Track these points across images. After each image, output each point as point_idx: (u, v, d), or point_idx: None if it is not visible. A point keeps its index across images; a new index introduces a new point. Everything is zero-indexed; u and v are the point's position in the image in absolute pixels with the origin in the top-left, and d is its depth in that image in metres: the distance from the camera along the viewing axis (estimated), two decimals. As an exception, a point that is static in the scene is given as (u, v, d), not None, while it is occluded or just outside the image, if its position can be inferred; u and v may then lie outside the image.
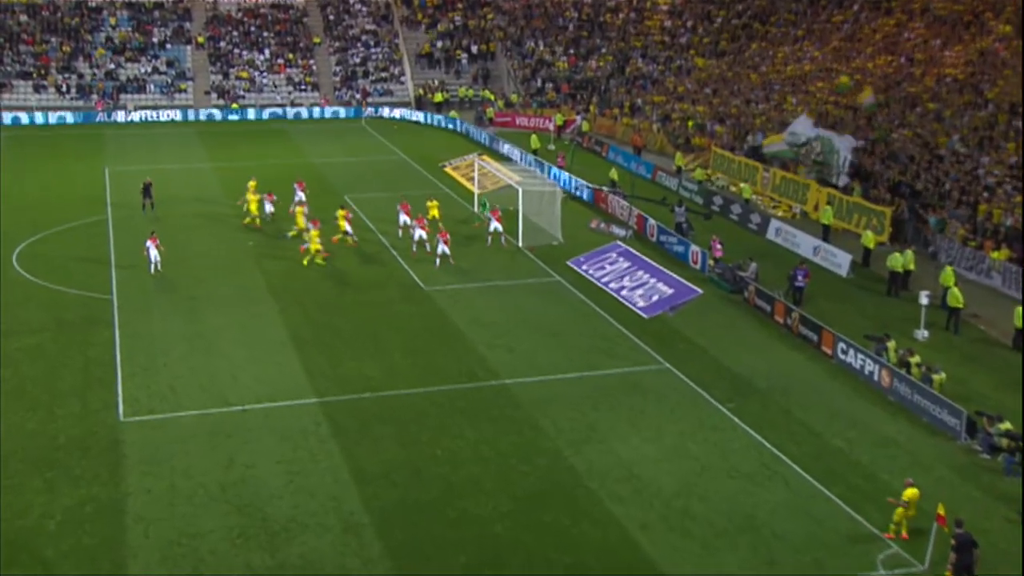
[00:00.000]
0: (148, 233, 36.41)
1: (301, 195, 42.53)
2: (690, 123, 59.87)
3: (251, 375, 27.55)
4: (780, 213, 45.84)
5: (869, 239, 38.56)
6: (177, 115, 70.58)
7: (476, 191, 45.23)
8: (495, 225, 39.35)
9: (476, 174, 45.52)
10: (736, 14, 75.39)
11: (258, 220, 41.40)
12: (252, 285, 34.97)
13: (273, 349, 29.39)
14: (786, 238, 41.22)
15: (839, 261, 37.88)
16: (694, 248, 38.15)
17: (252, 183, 42.67)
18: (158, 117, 70.12)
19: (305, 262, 36.54)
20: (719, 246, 37.47)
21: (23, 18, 76.23)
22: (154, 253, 35.29)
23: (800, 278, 33.84)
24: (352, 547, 19.99)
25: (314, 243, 36.75)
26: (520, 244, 39.98)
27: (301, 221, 39.90)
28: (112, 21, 77.67)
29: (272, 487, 21.99)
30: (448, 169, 49.64)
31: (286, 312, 32.40)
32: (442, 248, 36.42)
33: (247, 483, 22.12)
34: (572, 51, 78.31)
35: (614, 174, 49.18)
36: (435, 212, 40.59)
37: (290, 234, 40.01)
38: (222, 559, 19.50)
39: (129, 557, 19.44)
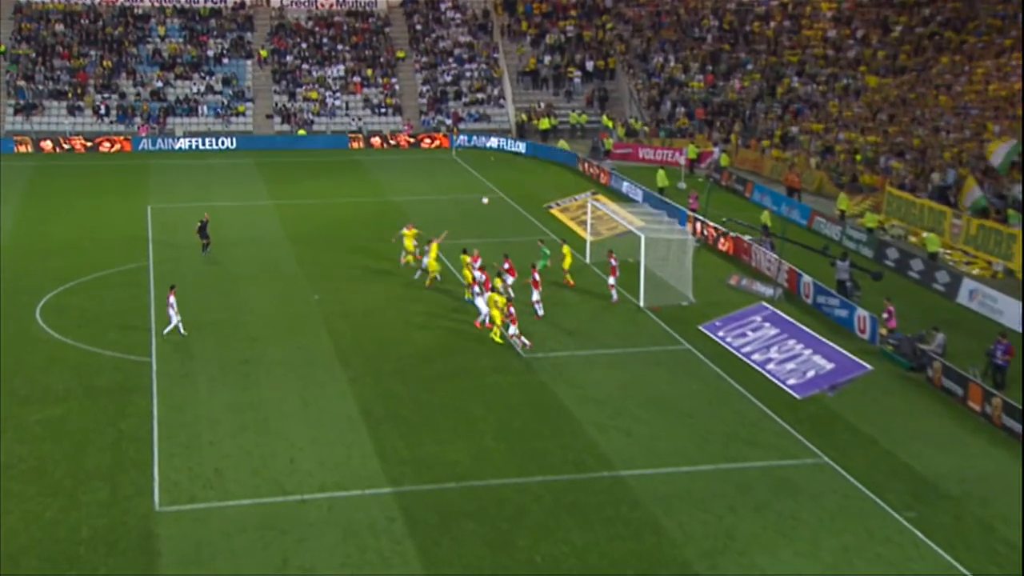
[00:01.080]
0: (171, 287, 36.68)
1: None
2: (858, 157, 59.25)
3: (312, 458, 27.97)
4: (976, 271, 44.69)
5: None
6: (233, 143, 73.34)
7: (589, 238, 45.46)
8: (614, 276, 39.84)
9: (589, 217, 45.77)
10: (921, 21, 74.31)
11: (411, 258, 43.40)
12: (317, 348, 35.70)
13: (340, 426, 29.82)
14: (984, 303, 40.13)
15: (1055, 333, 36.65)
16: (861, 312, 37.43)
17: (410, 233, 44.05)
18: (212, 145, 73.02)
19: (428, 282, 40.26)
20: (893, 310, 36.70)
21: (59, 27, 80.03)
22: (175, 313, 35.73)
23: (1000, 354, 32.88)
24: (429, 675, 19.94)
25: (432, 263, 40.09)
26: (641, 303, 39.92)
27: (410, 244, 43.10)
28: (161, 31, 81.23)
29: (333, 596, 22.11)
30: (555, 211, 50.09)
31: (356, 382, 32.90)
32: (534, 297, 38.00)
33: (304, 590, 22.29)
34: (710, 68, 78.62)
35: (767, 218, 48.83)
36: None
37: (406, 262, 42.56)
38: None
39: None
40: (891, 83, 68.45)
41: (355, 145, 74.48)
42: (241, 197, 58.26)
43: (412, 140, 75.08)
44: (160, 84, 77.47)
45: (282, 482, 26.63)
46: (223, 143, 73.23)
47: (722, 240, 47.79)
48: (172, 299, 35.76)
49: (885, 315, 36.59)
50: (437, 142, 75.18)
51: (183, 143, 72.84)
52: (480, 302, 37.36)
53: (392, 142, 74.95)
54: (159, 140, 72.63)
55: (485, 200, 32.15)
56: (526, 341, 35.05)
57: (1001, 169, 47.51)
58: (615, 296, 40.40)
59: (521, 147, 73.03)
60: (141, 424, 29.64)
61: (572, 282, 41.59)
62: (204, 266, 42.16)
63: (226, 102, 77.33)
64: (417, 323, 37.94)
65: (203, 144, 72.93)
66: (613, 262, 40.65)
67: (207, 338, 36.37)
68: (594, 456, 28.16)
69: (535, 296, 38.19)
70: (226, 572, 22.87)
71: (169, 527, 24.57)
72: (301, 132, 75.31)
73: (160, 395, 31.65)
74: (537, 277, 38.70)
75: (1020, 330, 37.62)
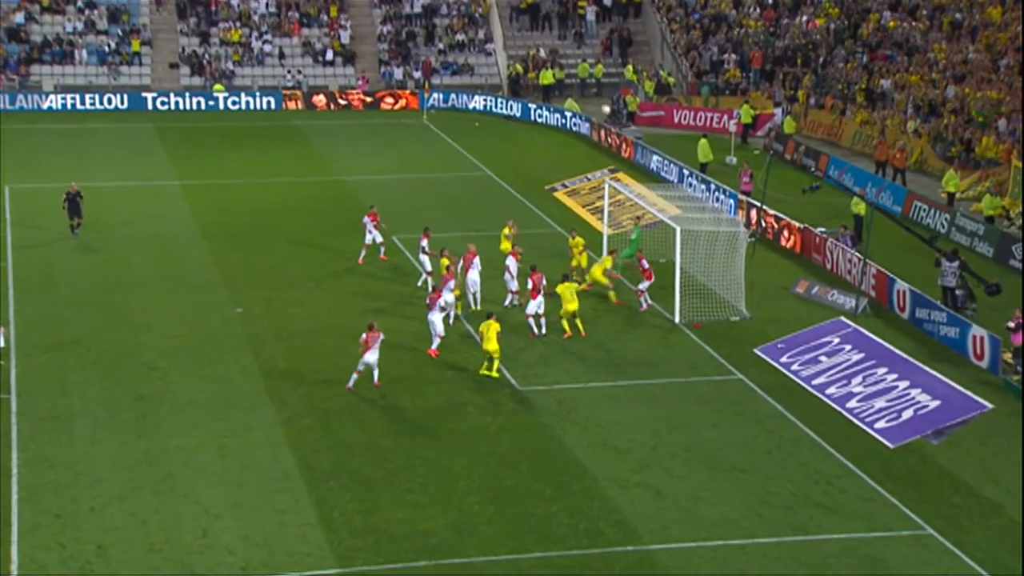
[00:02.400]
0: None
1: (376, 234, 44.67)
2: (975, 118, 59.22)
3: (232, 529, 27.81)
4: None
5: None
6: (124, 101, 73.26)
7: (606, 231, 45.44)
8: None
9: (606, 203, 45.78)
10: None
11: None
12: (239, 379, 35.61)
13: (270, 486, 29.69)
14: None
15: None
16: (977, 331, 37.43)
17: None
18: (94, 104, 72.94)
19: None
20: (1019, 321, 36.76)
21: None
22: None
23: None
24: None
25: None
26: (677, 319, 39.91)
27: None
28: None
29: None
30: (560, 195, 50.13)
31: (293, 425, 32.81)
32: (535, 307, 38.27)
33: None
34: (770, 1, 78.85)
35: (859, 206, 48.64)
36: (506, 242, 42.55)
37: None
38: None
39: None
40: (1021, 17, 68.46)
41: (292, 106, 74.57)
42: (135, 175, 58.22)
43: (369, 100, 75.15)
44: (20, 20, 77.34)
45: (190, 563, 26.48)
46: (109, 102, 73.18)
47: (786, 232, 47.83)
48: None
49: (1012, 325, 36.54)
50: (402, 102, 75.26)
51: (53, 101, 72.71)
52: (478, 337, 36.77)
53: (342, 102, 75.01)
54: (19, 97, 72.48)
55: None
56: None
57: None
58: (644, 305, 40.45)
59: (515, 109, 73.17)
60: (-3, 484, 29.60)
61: (590, 286, 41.57)
62: (84, 266, 41.90)
63: (113, 45, 77.32)
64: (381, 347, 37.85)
65: (81, 103, 72.89)
66: (645, 264, 40.71)
67: (87, 367, 36.24)
68: (613, 524, 28.09)
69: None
70: None
71: (36, 625, 24.49)
72: (218, 88, 75.29)
73: (21, 445, 31.46)
74: (647, 265, 40.65)
75: None
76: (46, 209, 50.55)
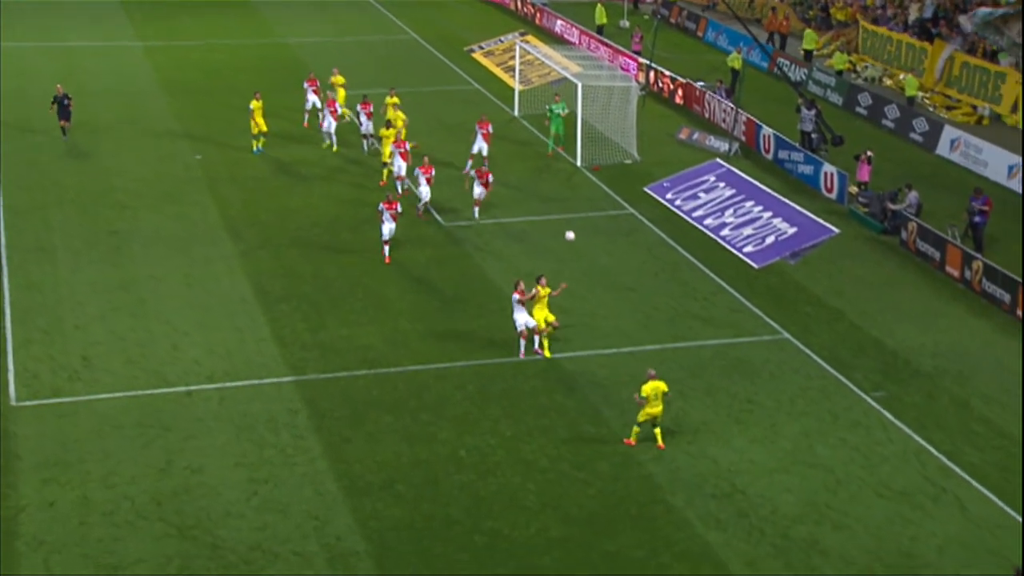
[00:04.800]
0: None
1: (314, 99, 42.63)
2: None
3: (199, 344, 27.90)
4: (959, 117, 45.23)
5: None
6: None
7: (517, 86, 45.11)
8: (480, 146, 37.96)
9: (517, 63, 45.38)
10: None
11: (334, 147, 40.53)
12: (200, 217, 35.29)
13: (230, 308, 29.71)
14: (967, 153, 40.76)
15: (1047, 186, 37.53)
16: (828, 168, 37.83)
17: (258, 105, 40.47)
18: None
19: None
20: (867, 156, 37.16)
21: None
22: None
23: (978, 211, 33.46)
24: (339, 584, 20.36)
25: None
26: (579, 162, 39.92)
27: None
28: None
29: (227, 500, 22.33)
30: (478, 55, 49.52)
31: (249, 256, 32.67)
32: (424, 192, 34.64)
33: (192, 494, 22.46)
34: None
35: (736, 61, 48.64)
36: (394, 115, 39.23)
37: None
38: (157, 599, 19.95)
39: (26, 596, 19.96)
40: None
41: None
42: (101, 37, 56.60)
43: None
44: None
45: (163, 372, 26.60)
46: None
47: (669, 86, 47.70)
48: None
49: (861, 168, 36.89)
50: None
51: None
52: (424, 190, 34.58)
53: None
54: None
55: (570, 235, 30.08)
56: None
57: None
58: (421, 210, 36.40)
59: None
60: (-10, 308, 29.40)
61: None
62: (55, 118, 40.69)
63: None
64: (320, 189, 37.59)
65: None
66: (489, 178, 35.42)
67: (66, 206, 35.77)
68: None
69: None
70: (98, 474, 22.93)
71: (28, 424, 24.51)
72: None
73: (11, 272, 31.23)
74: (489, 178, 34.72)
75: (1006, 183, 38.34)
76: (29, 69, 49.21)
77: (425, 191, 34.64)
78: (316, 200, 36.62)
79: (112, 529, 21.39)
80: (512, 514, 22.01)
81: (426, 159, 34.97)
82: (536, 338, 27.35)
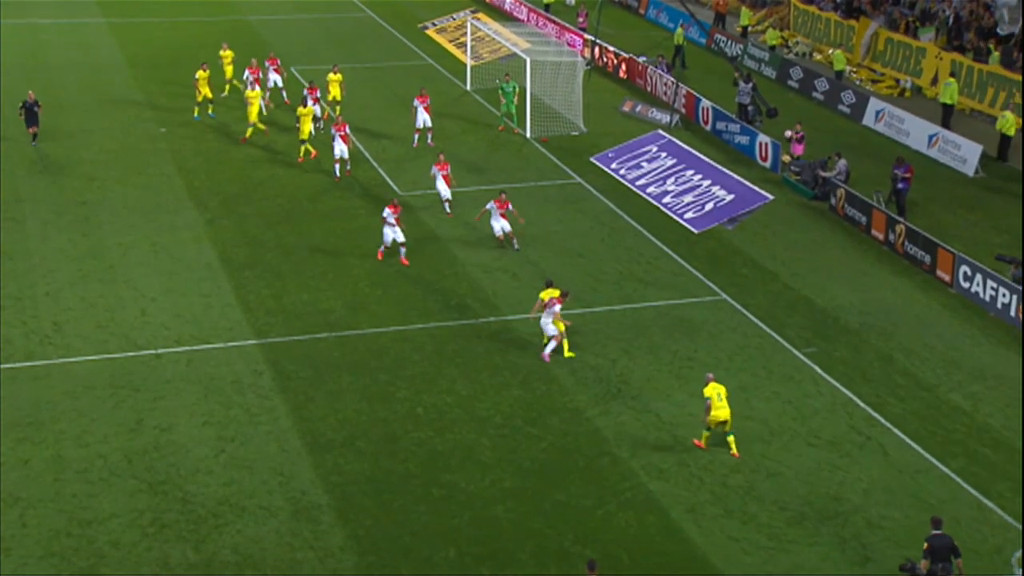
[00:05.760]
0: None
1: (277, 78, 41.88)
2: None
3: (166, 309, 27.73)
4: (883, 90, 45.57)
5: (1008, 123, 38.43)
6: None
7: (469, 62, 44.90)
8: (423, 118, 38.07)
9: (469, 39, 45.15)
10: None
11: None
12: (166, 188, 34.98)
13: (196, 275, 29.53)
14: (891, 124, 41.11)
15: (964, 154, 37.83)
16: (763, 139, 38.02)
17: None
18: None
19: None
20: (799, 136, 37.38)
21: None
22: None
23: (900, 178, 33.78)
24: (305, 537, 20.35)
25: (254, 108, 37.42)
26: (528, 134, 39.87)
27: (254, 114, 38.69)
28: None
29: (196, 457, 22.29)
30: (431, 32, 49.16)
31: (214, 225, 32.46)
32: (340, 150, 34.81)
33: (162, 452, 22.40)
34: None
35: (679, 38, 48.67)
36: (336, 91, 39.90)
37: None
38: (127, 553, 19.83)
39: (0, 552, 19.78)
40: None
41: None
42: (66, 15, 55.68)
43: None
44: None
45: (133, 336, 26.43)
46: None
47: (613, 62, 47.68)
48: None
49: (790, 134, 37.10)
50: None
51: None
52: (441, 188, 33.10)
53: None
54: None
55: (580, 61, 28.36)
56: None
57: None
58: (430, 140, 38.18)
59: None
60: (-32, 277, 28.98)
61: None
62: (26, 89, 39.86)
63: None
64: (282, 161, 37.33)
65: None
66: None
67: (35, 176, 35.31)
68: (479, 300, 28.48)
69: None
70: (72, 433, 22.80)
71: (2, 387, 24.30)
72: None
73: (-13, 243, 30.90)
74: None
75: (926, 151, 38.75)
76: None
77: (444, 190, 33.15)
78: (278, 171, 36.37)
79: (86, 485, 21.31)
80: (468, 468, 22.10)
81: (441, 156, 33.89)
82: (553, 344, 25.95)
